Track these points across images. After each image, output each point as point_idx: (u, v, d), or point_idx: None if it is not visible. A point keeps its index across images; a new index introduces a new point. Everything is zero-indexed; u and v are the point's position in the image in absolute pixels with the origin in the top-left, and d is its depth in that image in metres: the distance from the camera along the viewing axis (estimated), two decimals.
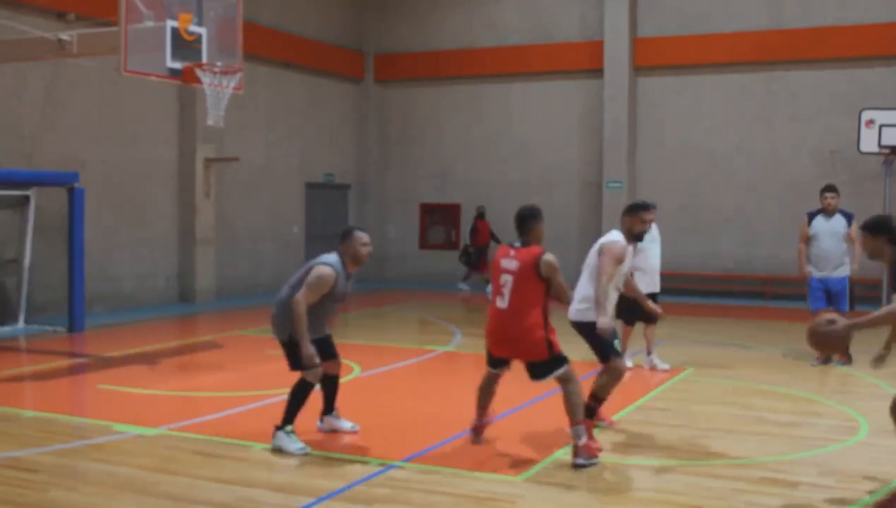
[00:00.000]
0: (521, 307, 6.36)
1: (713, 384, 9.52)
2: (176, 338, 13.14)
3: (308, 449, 6.59)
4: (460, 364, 11.33)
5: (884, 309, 5.37)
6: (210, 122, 11.24)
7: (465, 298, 18.88)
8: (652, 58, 19.21)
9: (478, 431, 6.96)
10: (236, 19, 11.63)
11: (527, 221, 6.57)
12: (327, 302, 6.71)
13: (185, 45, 10.69)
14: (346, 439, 7.07)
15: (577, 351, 7.32)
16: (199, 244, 16.93)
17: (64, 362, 10.77)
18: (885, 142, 15.93)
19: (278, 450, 6.61)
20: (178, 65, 10.67)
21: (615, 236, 6.97)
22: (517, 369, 6.66)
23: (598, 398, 6.85)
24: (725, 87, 18.83)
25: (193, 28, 10.81)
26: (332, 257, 6.74)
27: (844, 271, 10.58)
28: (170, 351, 11.79)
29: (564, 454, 6.50)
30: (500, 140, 20.72)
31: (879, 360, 5.96)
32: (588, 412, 6.57)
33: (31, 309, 13.46)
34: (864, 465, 6.38)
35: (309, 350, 6.52)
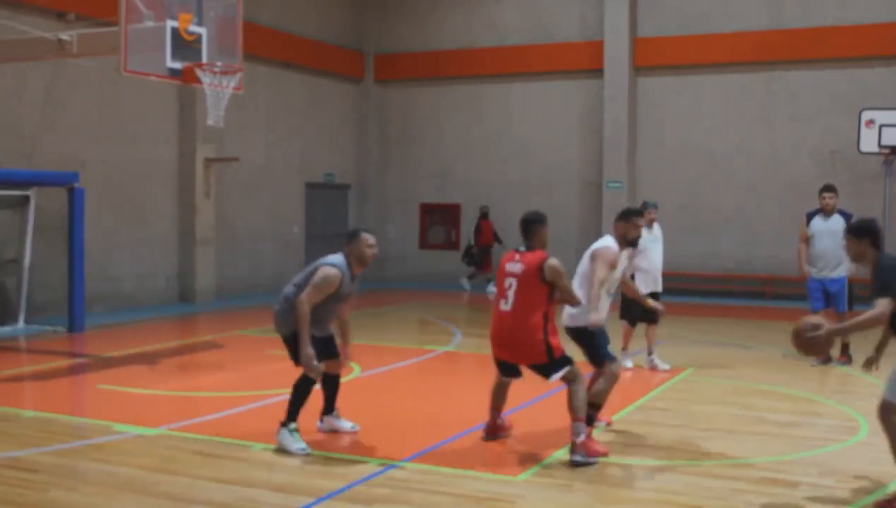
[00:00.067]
0: (523, 310, 6.44)
1: (713, 384, 9.52)
2: (176, 338, 13.14)
3: (309, 450, 6.59)
4: (460, 364, 11.33)
5: (866, 314, 5.43)
6: (210, 122, 11.25)
7: (466, 298, 18.87)
8: (652, 58, 19.22)
9: (489, 431, 7.03)
10: (236, 19, 11.63)
11: (531, 226, 6.67)
12: (331, 303, 6.72)
13: (185, 45, 10.69)
14: (346, 439, 7.07)
15: (579, 353, 7.31)
16: (199, 244, 16.94)
17: (64, 362, 10.77)
18: (885, 142, 15.94)
19: (281, 447, 6.62)
20: (178, 65, 10.67)
21: (608, 242, 6.97)
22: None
23: (595, 405, 6.79)
24: (725, 87, 18.83)
25: (193, 28, 10.81)
26: (338, 258, 6.75)
27: (843, 271, 10.56)
28: (170, 351, 11.79)
29: (564, 454, 6.50)
30: (500, 140, 20.72)
31: (871, 363, 5.99)
32: (586, 420, 6.57)
33: (31, 309, 13.46)
34: (864, 465, 6.38)
35: (308, 352, 6.53)
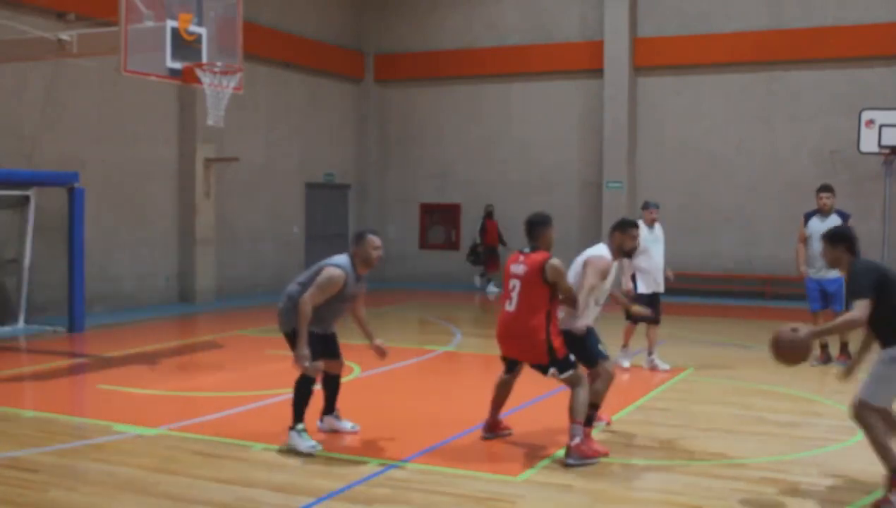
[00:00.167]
0: (526, 310, 6.51)
1: (713, 384, 9.52)
2: (176, 338, 13.14)
3: (319, 447, 6.60)
4: (460, 364, 11.32)
5: (845, 316, 5.54)
6: (210, 122, 11.25)
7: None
8: (652, 58, 19.21)
9: (489, 428, 7.06)
10: (236, 19, 11.63)
11: (536, 227, 6.76)
12: (336, 303, 6.73)
13: (185, 45, 10.69)
14: (346, 439, 7.08)
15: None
16: (199, 244, 16.94)
17: (64, 362, 10.77)
18: (885, 142, 15.93)
19: (291, 449, 6.62)
20: (178, 65, 10.67)
21: (602, 251, 6.96)
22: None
23: (593, 405, 6.81)
24: (725, 87, 18.83)
25: (193, 28, 10.81)
26: (343, 259, 6.77)
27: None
28: (170, 351, 11.79)
29: (564, 454, 6.50)
30: (500, 140, 20.72)
31: (848, 372, 6.03)
32: (585, 421, 6.57)
33: (31, 309, 13.46)
34: (864, 465, 6.37)
35: (303, 351, 6.55)
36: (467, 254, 20.15)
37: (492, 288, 19.23)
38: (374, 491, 5.75)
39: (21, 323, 13.20)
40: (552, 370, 6.48)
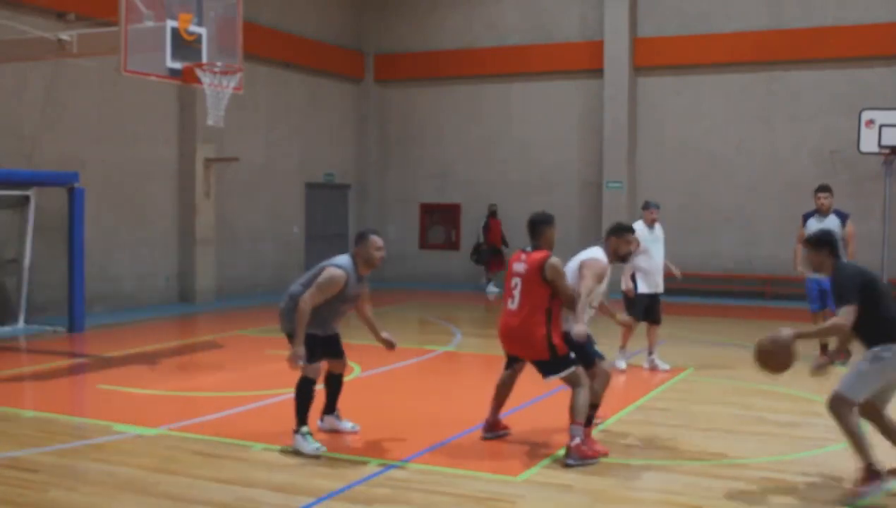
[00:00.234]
0: (527, 308, 6.55)
1: (713, 384, 9.52)
2: (176, 338, 13.14)
3: (324, 449, 6.59)
4: (460, 364, 11.33)
5: (831, 321, 5.67)
6: (210, 122, 11.24)
7: (466, 298, 18.87)
8: (652, 58, 19.22)
9: (489, 427, 7.07)
10: (236, 19, 11.63)
11: (538, 227, 6.81)
12: (337, 303, 6.73)
13: (185, 45, 10.69)
14: (346, 439, 7.08)
15: None
16: (199, 244, 16.94)
17: (64, 362, 10.77)
18: (885, 142, 15.93)
19: (297, 452, 6.61)
20: (178, 65, 10.67)
21: (597, 254, 6.95)
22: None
23: (593, 405, 6.82)
24: (725, 87, 18.83)
25: (193, 28, 10.81)
26: (344, 259, 6.76)
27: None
28: (170, 351, 11.79)
29: (564, 454, 6.50)
30: (500, 140, 20.72)
31: (821, 369, 6.13)
32: (585, 421, 6.57)
33: (31, 309, 13.46)
34: None
35: (299, 351, 6.54)
36: (471, 253, 20.15)
37: (491, 289, 19.22)
38: (374, 491, 5.75)
39: (21, 323, 13.20)
40: (552, 376, 6.50)
